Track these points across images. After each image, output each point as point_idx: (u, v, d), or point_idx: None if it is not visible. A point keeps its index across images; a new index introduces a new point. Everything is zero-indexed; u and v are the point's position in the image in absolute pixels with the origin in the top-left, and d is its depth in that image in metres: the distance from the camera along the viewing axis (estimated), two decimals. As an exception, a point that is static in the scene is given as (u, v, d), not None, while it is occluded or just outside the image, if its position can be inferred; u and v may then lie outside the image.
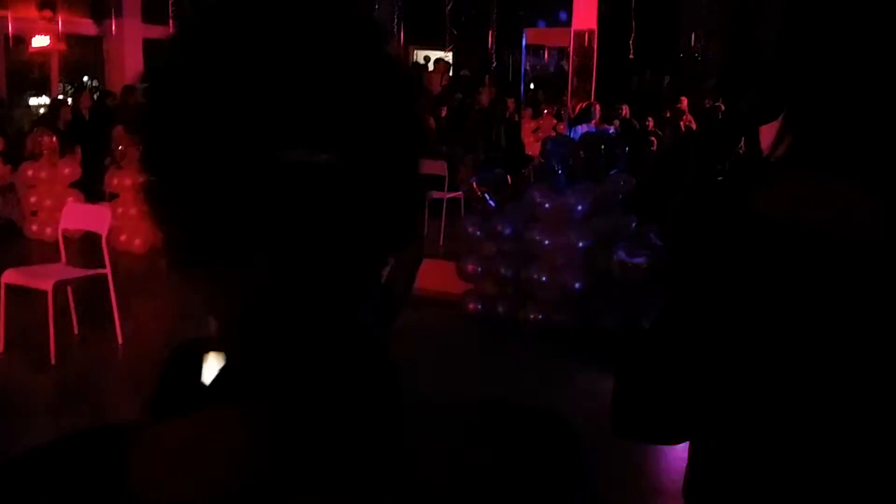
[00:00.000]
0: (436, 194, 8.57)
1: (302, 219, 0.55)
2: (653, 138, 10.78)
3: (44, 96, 12.41)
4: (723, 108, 8.46)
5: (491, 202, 5.94)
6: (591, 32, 11.53)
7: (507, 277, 5.84)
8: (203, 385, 0.68)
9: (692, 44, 14.88)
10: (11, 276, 4.95)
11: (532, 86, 14.88)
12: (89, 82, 13.13)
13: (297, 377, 0.58)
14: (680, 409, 1.10)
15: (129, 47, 11.53)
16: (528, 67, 14.94)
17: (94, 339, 5.29)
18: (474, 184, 6.05)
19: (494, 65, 15.58)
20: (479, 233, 5.98)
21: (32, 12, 11.45)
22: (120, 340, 5.22)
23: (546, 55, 16.05)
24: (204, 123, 0.55)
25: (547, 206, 5.77)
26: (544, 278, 5.71)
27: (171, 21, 11.35)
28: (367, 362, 0.61)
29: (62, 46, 11.80)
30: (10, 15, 11.30)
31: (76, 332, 5.33)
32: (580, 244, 5.69)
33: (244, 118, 0.54)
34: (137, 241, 7.68)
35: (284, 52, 0.55)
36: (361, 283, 0.60)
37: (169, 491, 0.57)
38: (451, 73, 15.06)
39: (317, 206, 0.55)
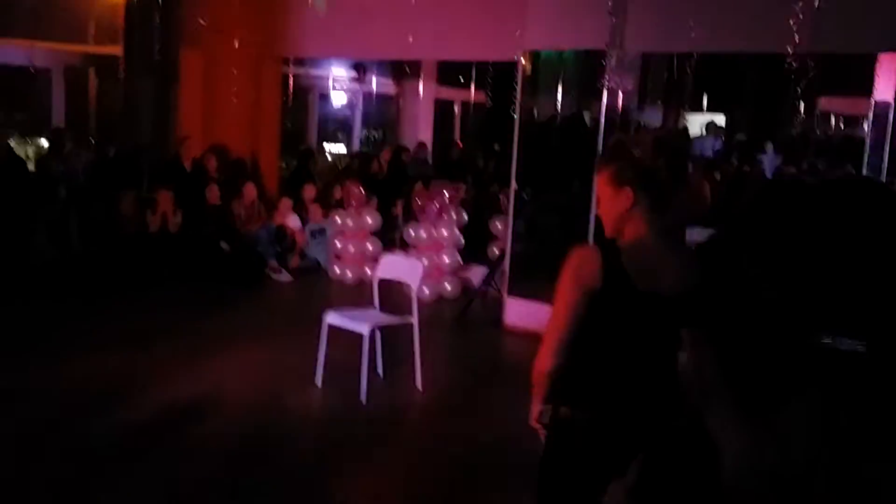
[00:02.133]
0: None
1: (830, 384, 0.87)
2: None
3: (341, 145, 13.66)
4: None
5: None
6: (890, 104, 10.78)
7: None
8: None
9: None
10: (334, 318, 5.48)
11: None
12: (379, 135, 14.27)
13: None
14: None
15: (423, 106, 12.43)
16: (816, 133, 14.22)
17: (397, 382, 5.71)
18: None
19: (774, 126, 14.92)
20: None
21: (343, 72, 12.73)
22: (420, 386, 5.61)
23: (835, 122, 15.24)
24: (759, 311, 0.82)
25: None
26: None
27: (462, 83, 12.11)
28: None
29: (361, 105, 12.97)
30: (324, 74, 12.63)
31: (380, 372, 5.79)
32: None
33: (793, 311, 0.84)
34: (426, 291, 8.21)
35: (834, 258, 0.75)
36: None
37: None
38: (723, 139, 14.69)
39: (846, 382, 0.77)
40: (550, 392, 2.45)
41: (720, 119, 15.98)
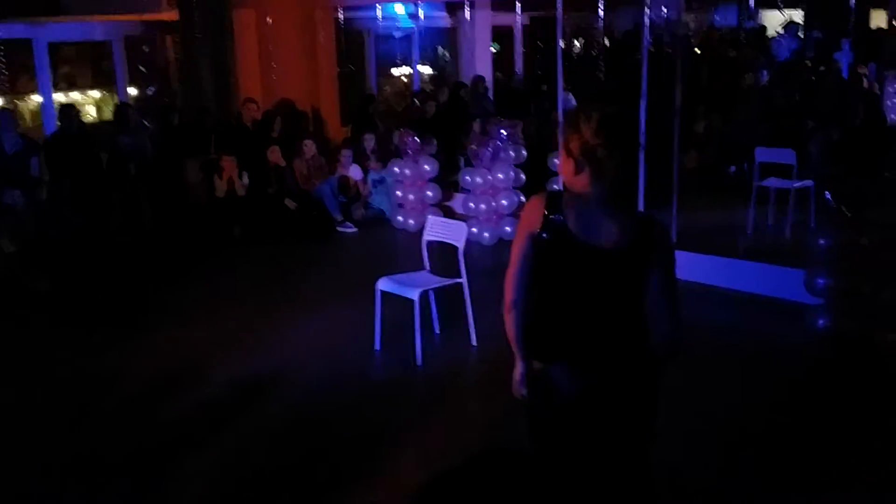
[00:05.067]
0: (781, 183, 8.09)
1: None
2: None
3: (404, 67, 13.70)
4: None
5: (847, 213, 5.57)
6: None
7: (863, 294, 5.46)
8: None
9: None
10: (385, 284, 5.64)
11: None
12: (446, 58, 14.18)
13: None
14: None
15: (479, 36, 12.24)
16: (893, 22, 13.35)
17: (453, 340, 5.87)
18: (827, 195, 5.69)
19: (853, 21, 13.99)
20: (831, 245, 5.64)
21: (396, 10, 12.62)
22: (474, 342, 5.75)
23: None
24: None
25: (913, 219, 5.29)
26: (907, 298, 5.27)
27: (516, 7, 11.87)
28: None
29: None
30: (378, 15, 12.56)
31: (437, 331, 5.96)
32: (953, 262, 5.15)
33: None
34: (486, 235, 8.28)
35: None
36: None
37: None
38: (801, 37, 13.92)
39: None
40: (526, 351, 2.70)
41: (798, 16, 15.15)
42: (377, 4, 12.14)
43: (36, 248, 7.50)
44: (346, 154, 9.71)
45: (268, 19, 10.35)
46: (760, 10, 16.22)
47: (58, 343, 6.22)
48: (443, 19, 13.25)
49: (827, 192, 5.75)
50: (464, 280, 5.64)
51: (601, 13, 8.05)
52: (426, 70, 14.35)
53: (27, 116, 11.01)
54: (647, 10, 7.26)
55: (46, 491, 4.16)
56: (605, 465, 2.70)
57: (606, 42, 15.37)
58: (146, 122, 9.48)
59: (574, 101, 9.48)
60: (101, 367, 5.67)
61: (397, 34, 13.46)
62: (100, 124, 11.04)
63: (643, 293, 2.55)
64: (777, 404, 4.83)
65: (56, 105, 9.83)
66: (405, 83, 14.03)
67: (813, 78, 11.56)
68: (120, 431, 4.75)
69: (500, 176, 8.44)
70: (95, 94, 11.63)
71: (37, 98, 10.47)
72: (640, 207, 6.88)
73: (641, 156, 6.83)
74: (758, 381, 5.17)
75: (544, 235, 2.55)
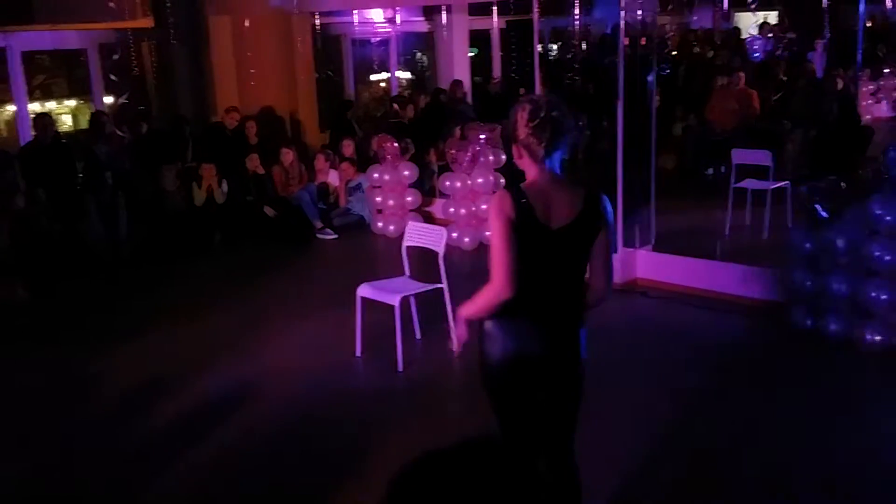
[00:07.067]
0: (757, 184, 8.14)
1: None
2: None
3: (382, 73, 13.69)
4: None
5: (822, 213, 5.62)
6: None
7: (841, 294, 5.52)
8: None
9: None
10: (365, 290, 5.64)
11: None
12: (424, 62, 14.17)
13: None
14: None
15: (457, 40, 12.25)
16: (866, 23, 13.48)
17: (434, 344, 5.86)
18: (804, 193, 5.75)
19: (827, 20, 14.08)
20: (808, 245, 5.69)
21: (373, 15, 12.61)
22: (455, 348, 5.73)
23: (889, 3, 14.39)
24: None
25: (888, 218, 5.34)
26: (885, 297, 5.33)
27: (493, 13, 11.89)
28: None
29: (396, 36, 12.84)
30: (354, 20, 12.55)
31: (418, 336, 5.95)
32: (927, 261, 5.21)
33: None
34: (466, 239, 8.28)
35: None
36: None
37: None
38: (774, 39, 14.02)
39: None
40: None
41: (773, 18, 15.28)
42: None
43: (13, 257, 7.42)
44: (321, 160, 9.66)
45: (245, 23, 10.30)
46: (734, 12, 16.34)
47: (35, 352, 6.16)
48: (420, 24, 13.25)
49: (808, 196, 5.80)
50: (444, 285, 5.64)
51: (577, 17, 8.05)
52: (404, 75, 14.36)
53: (2, 127, 10.88)
54: (622, 13, 7.28)
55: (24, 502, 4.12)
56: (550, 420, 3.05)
57: (583, 45, 15.44)
58: (119, 132, 9.39)
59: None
60: (79, 377, 5.63)
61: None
62: (75, 133, 10.93)
63: (587, 257, 2.91)
64: (748, 404, 4.86)
65: (31, 115, 9.72)
66: (383, 88, 14.04)
67: (784, 79, 11.63)
68: (97, 441, 4.71)
69: (480, 180, 8.44)
70: (71, 103, 11.52)
71: (11, 108, 10.35)
72: (620, 209, 6.90)
73: (620, 156, 6.86)
74: (730, 383, 5.20)
75: (518, 221, 2.77)
